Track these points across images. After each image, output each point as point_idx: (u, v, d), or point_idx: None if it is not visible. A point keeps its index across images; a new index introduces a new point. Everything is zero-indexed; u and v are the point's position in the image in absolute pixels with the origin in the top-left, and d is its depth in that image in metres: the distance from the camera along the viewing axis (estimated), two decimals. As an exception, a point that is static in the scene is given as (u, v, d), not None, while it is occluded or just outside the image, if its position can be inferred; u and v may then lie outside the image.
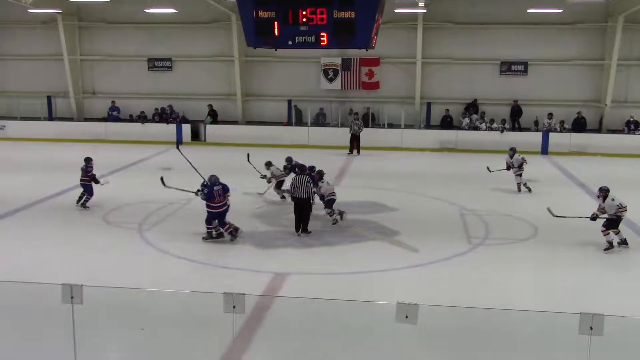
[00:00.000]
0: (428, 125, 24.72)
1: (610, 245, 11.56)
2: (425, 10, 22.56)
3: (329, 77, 25.30)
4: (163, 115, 25.83)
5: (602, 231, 11.62)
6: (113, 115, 26.18)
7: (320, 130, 24.41)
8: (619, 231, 11.65)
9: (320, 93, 25.60)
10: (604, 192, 11.92)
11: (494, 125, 23.66)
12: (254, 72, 26.04)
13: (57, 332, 6.96)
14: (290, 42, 10.75)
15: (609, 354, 6.66)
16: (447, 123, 24.27)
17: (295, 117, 25.53)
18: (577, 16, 23.37)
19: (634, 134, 23.31)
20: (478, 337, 7.44)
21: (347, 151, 22.49)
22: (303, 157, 20.95)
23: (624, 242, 11.70)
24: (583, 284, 10.03)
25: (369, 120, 24.83)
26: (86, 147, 23.60)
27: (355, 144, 22.56)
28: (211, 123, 25.19)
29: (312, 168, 13.93)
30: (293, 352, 7.44)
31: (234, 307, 6.39)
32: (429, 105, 24.89)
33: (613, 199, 11.69)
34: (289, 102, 25.49)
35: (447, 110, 24.43)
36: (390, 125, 24.70)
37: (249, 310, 8.01)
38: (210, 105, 25.66)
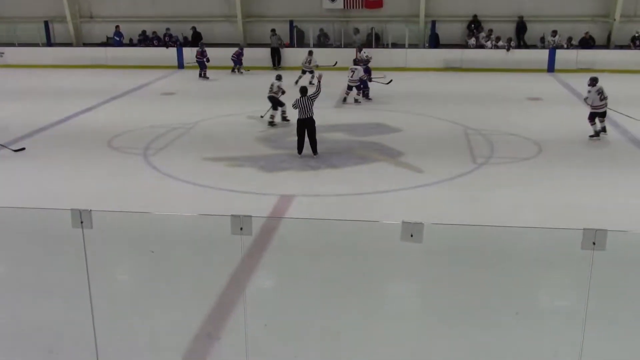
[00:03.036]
0: (433, 45, 24.26)
1: (595, 134, 13.39)
2: None
3: (331, -5, 24.68)
4: (162, 39, 25.40)
5: (588, 121, 13.32)
6: (117, 41, 25.73)
7: (323, 51, 24.00)
8: (603, 120, 13.40)
9: (322, 13, 25.03)
10: (591, 82, 13.23)
11: (500, 43, 23.21)
12: (254, -7, 25.43)
13: (69, 257, 7.11)
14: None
15: (611, 269, 6.78)
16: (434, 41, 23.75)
17: (297, 39, 25.06)
18: None
19: (641, 49, 22.92)
20: (482, 254, 7.56)
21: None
22: (305, 80, 20.81)
23: (603, 130, 13.43)
24: (586, 200, 10.09)
25: (372, 40, 24.38)
26: (87, 73, 23.38)
27: (276, 58, 23.44)
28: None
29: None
30: (299, 271, 7.60)
31: (241, 228, 6.47)
32: (433, 23, 24.34)
33: (599, 92, 13.10)
34: (291, 22, 24.96)
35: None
36: (394, 45, 24.25)
37: (256, 231, 8.15)
38: (193, 28, 25.23)
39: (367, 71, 17.86)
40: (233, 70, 22.90)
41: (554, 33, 23.28)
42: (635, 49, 22.97)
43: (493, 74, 20.66)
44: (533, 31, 23.78)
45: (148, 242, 7.72)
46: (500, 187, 10.75)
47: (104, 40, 26.16)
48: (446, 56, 23.05)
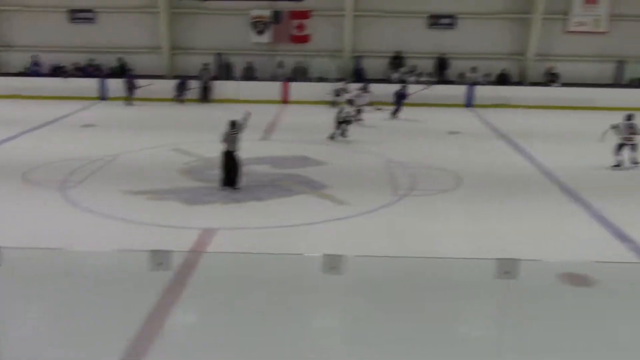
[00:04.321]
0: (358, 79, 24.75)
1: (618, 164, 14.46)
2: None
3: (259, 30, 24.88)
4: (86, 70, 24.88)
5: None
6: (35, 71, 24.98)
7: (250, 85, 24.12)
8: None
9: (249, 47, 25.18)
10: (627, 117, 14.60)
11: (422, 78, 23.96)
12: (181, 25, 25.27)
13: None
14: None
15: (524, 296, 7.02)
16: (359, 75, 24.29)
17: (224, 71, 25.06)
18: (503, -30, 23.76)
19: (554, 86, 24.13)
20: (403, 285, 7.69)
21: (275, 104, 22.37)
22: (230, 112, 20.74)
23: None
24: (503, 230, 10.43)
25: (300, 74, 24.70)
26: (5, 103, 22.57)
27: (205, 94, 23.59)
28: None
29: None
30: (221, 307, 7.49)
31: (160, 264, 6.35)
32: (358, 58, 24.91)
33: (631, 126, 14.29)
34: (218, 55, 24.99)
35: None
36: (321, 79, 24.63)
37: (176, 267, 8.00)
38: (119, 59, 24.96)
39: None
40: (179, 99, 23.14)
41: (473, 70, 24.25)
42: (549, 85, 24.20)
43: (415, 109, 21.25)
44: (453, 67, 24.70)
45: (61, 279, 7.44)
46: (421, 218, 10.99)
47: (23, 69, 25.35)
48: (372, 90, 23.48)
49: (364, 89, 21.20)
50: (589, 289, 8.12)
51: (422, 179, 13.43)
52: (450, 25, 24.78)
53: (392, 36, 24.86)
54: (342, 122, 17.03)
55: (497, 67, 24.63)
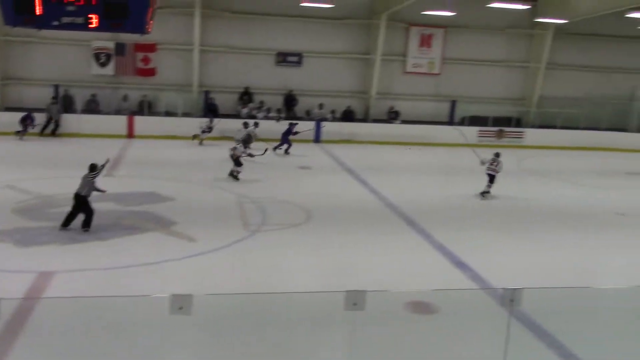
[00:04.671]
0: (207, 114, 24.53)
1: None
2: (203, -2, 22.38)
3: (101, 61, 23.90)
4: None
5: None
6: None
7: (93, 118, 22.99)
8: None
9: (91, 78, 24.08)
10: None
11: (271, 114, 24.27)
12: (14, 54, 23.66)
13: None
14: (55, 23, 9.80)
15: (372, 326, 7.18)
16: (213, 110, 24.14)
17: (64, 104, 23.69)
18: (346, 12, 24.85)
19: (395, 123, 25.52)
20: (253, 321, 7.57)
21: (120, 139, 21.52)
22: (72, 148, 19.76)
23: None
24: (352, 262, 10.69)
25: (146, 107, 24.00)
26: None
27: (51, 128, 22.38)
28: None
29: None
30: (60, 357, 6.92)
31: (-14, 313, 5.75)
32: (206, 93, 24.74)
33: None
34: (56, 87, 23.62)
35: (211, 98, 24.50)
36: (168, 114, 24.07)
37: (7, 315, 7.29)
38: None
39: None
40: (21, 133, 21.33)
41: (320, 106, 24.99)
42: (390, 122, 25.53)
43: (265, 144, 21.40)
44: (301, 104, 25.29)
45: None
46: (272, 253, 10.97)
47: None
48: (221, 126, 23.31)
49: (210, 125, 21.19)
50: (432, 315, 8.51)
51: (273, 213, 13.48)
52: (297, 63, 25.43)
53: (241, 72, 25.01)
54: (236, 160, 16.65)
55: (342, 104, 25.59)
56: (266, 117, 23.95)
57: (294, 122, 22.14)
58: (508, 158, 21.83)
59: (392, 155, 22.21)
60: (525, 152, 23.88)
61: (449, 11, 21.27)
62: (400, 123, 25.64)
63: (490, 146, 24.72)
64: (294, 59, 25.43)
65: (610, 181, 19.55)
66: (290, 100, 25.21)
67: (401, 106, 26.12)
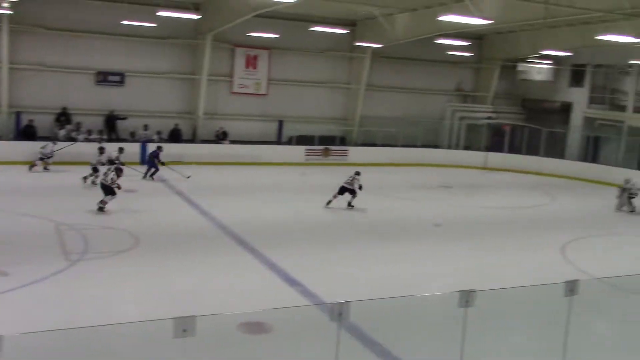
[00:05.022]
0: (20, 136, 22.70)
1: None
2: (11, 12, 20.68)
3: None
4: None
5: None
6: None
7: None
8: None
9: None
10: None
11: (92, 136, 23.02)
12: None
13: None
14: None
15: (205, 352, 6.98)
16: (31, 134, 22.53)
17: None
18: (170, 31, 24.33)
19: (224, 143, 25.42)
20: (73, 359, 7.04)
21: None
22: None
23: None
24: (182, 287, 10.37)
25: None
26: None
27: None
28: None
29: None
30: None
31: None
32: (18, 114, 22.87)
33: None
34: None
35: (31, 120, 22.80)
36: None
37: None
38: None
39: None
40: None
41: (146, 127, 24.17)
42: (219, 142, 25.36)
43: (88, 167, 20.21)
44: (123, 125, 24.28)
45: None
46: (96, 283, 10.33)
47: None
48: (37, 148, 21.61)
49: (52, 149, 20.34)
50: (266, 335, 8.47)
51: (97, 240, 12.73)
52: (119, 83, 24.42)
53: (58, 91, 23.46)
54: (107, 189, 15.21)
55: (169, 124, 24.97)
56: (87, 140, 22.66)
57: (160, 145, 21.20)
58: (334, 175, 22.67)
59: (222, 176, 22.05)
60: (349, 169, 24.86)
61: (272, 33, 21.73)
62: (229, 143, 25.59)
63: (317, 164, 25.58)
64: (116, 78, 24.38)
65: (426, 194, 20.99)
66: (112, 122, 24.10)
67: (229, 126, 26.08)
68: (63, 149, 20.82)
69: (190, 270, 11.34)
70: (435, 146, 29.31)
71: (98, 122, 23.99)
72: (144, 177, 20.09)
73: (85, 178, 18.42)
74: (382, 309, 8.09)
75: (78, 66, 23.66)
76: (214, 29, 23.58)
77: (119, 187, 15.28)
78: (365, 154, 26.58)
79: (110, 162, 18.72)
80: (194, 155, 23.80)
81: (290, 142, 26.99)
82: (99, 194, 15.19)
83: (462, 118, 30.15)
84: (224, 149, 24.88)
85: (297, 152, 25.96)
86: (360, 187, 17.14)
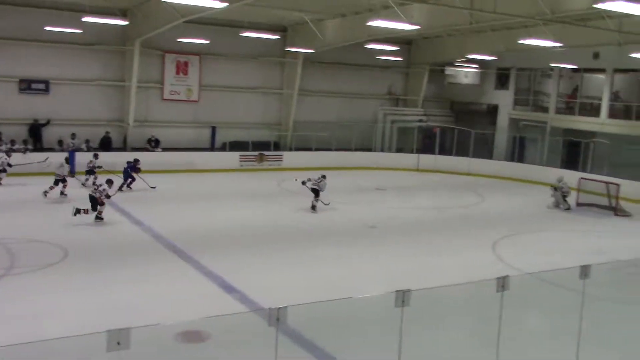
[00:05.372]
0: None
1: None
2: None
3: None
4: None
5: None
6: None
7: None
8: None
9: None
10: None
11: (16, 146, 22.14)
12: None
13: None
14: None
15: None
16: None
17: None
18: (97, 38, 23.71)
19: (156, 151, 24.95)
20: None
21: None
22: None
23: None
24: (117, 299, 10.10)
25: None
26: None
27: None
28: None
29: None
30: None
31: None
32: None
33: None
34: None
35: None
36: None
37: None
38: None
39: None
40: None
41: (73, 135, 23.44)
42: (151, 150, 24.85)
43: (12, 178, 19.43)
44: (50, 134, 23.47)
45: None
46: (25, 299, 9.93)
47: None
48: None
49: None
50: (204, 343, 8.35)
51: (23, 254, 12.25)
52: (44, 91, 23.59)
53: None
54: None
55: (99, 133, 24.30)
56: (11, 150, 21.77)
57: (137, 159, 20.75)
58: (269, 181, 22.64)
59: (155, 184, 21.59)
60: (284, 174, 24.92)
61: (203, 39, 21.48)
62: (162, 150, 25.14)
63: (251, 170, 25.46)
64: (40, 86, 23.53)
65: (361, 197, 21.22)
66: (36, 130, 23.24)
67: (161, 133, 25.62)
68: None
69: (123, 282, 11.06)
70: (369, 149, 29.67)
71: (22, 132, 23.10)
72: (120, 189, 19.25)
73: (46, 193, 17.77)
74: (320, 312, 8.12)
75: (0, 74, 22.73)
76: (143, 35, 23.11)
77: (108, 197, 15.46)
78: (300, 158, 26.63)
79: (90, 171, 19.26)
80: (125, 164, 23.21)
81: (224, 148, 26.74)
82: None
83: (393, 121, 30.65)
84: (156, 157, 24.36)
85: (231, 158, 25.75)
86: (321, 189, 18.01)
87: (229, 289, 10.80)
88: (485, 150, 29.01)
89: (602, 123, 25.56)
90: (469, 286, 6.34)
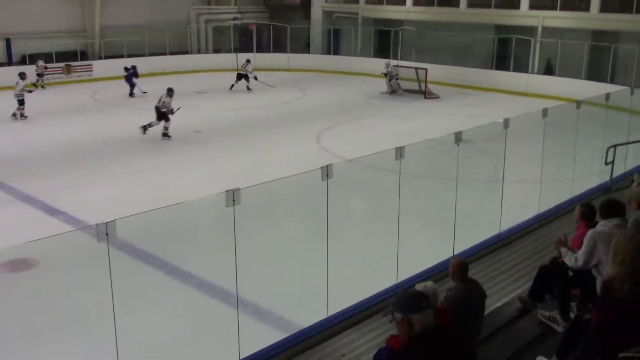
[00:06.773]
0: None
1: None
2: None
3: None
4: None
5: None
6: None
7: None
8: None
9: None
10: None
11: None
12: None
13: None
14: None
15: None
16: None
17: None
18: None
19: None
20: None
21: None
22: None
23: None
24: None
25: None
26: None
27: None
28: None
29: None
30: None
31: None
32: None
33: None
34: None
35: None
36: None
37: None
38: None
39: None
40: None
41: None
42: None
43: None
44: None
45: None
46: None
47: None
48: None
49: None
50: (31, 270, 7.97)
51: None
52: None
53: None
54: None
55: None
56: None
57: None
58: (81, 93, 21.23)
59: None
60: (97, 85, 23.43)
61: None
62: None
63: (59, 83, 23.60)
64: None
65: (182, 101, 20.63)
66: None
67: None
68: None
69: None
70: (185, 52, 28.67)
71: None
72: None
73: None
74: (152, 222, 8.00)
75: None
76: None
77: (172, 112, 15.46)
78: (112, 67, 24.95)
79: None
80: None
81: (23, 61, 24.29)
82: None
83: (207, 21, 29.71)
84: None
85: (33, 71, 23.59)
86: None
87: (52, 211, 10.25)
88: (302, 44, 29.29)
89: (408, 11, 26.76)
90: (294, 178, 6.55)
